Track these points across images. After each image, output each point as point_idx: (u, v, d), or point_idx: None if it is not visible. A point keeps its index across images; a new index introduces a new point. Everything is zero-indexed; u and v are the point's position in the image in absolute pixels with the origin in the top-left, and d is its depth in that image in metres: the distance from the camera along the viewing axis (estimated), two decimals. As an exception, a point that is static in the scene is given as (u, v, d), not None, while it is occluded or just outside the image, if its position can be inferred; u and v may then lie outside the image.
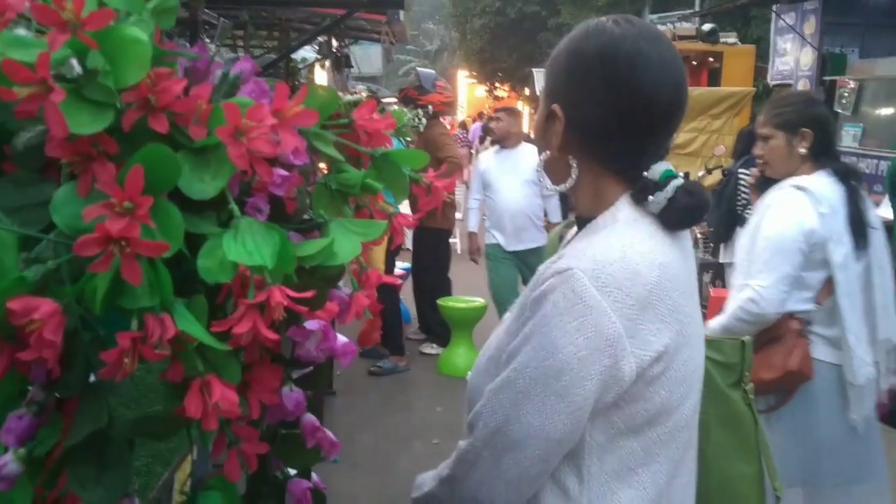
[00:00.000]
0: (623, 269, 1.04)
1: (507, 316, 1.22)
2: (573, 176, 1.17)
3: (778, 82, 8.00)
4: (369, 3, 4.94)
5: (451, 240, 6.55)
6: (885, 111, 6.15)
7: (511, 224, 5.40)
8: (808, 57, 7.02)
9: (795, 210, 2.36)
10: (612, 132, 1.12)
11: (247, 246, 0.71)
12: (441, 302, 5.76)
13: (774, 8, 8.14)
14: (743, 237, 2.51)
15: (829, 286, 2.39)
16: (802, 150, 2.45)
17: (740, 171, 5.12)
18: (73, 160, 0.70)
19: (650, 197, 1.11)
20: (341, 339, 0.86)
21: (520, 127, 5.61)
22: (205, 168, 0.73)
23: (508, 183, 5.39)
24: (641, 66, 1.09)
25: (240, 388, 0.78)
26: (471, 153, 14.20)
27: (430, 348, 6.17)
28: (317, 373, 0.97)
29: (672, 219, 1.12)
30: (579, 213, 1.21)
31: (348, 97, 0.93)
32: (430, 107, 5.83)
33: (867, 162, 5.95)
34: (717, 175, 6.36)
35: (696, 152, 8.10)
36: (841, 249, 2.35)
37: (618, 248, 1.06)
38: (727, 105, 8.16)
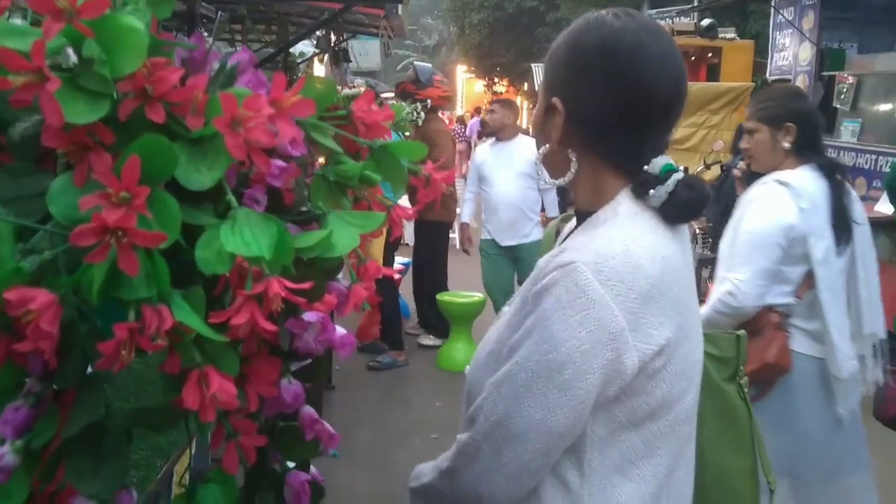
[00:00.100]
0: (626, 262, 1.04)
1: (506, 310, 1.22)
2: (572, 169, 1.16)
3: (777, 77, 7.99)
4: (367, -4, 4.93)
5: (451, 234, 6.55)
6: (884, 106, 6.14)
7: (505, 217, 5.36)
8: (806, 52, 7.01)
9: (775, 205, 2.37)
10: (612, 125, 1.12)
11: (244, 237, 0.71)
12: (440, 297, 5.76)
13: (773, 3, 8.13)
14: (727, 231, 2.51)
15: (808, 280, 2.40)
16: (786, 145, 2.46)
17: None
18: (70, 150, 0.69)
19: (651, 191, 1.11)
20: (340, 330, 0.86)
21: (515, 119, 5.54)
22: (202, 158, 0.73)
23: (503, 176, 5.35)
24: (642, 59, 1.09)
25: (238, 381, 0.78)
26: (469, 148, 14.18)
27: (429, 339, 6.18)
28: (315, 365, 0.97)
29: (672, 213, 1.12)
30: (578, 207, 1.21)
31: (346, 91, 0.93)
32: (428, 101, 5.82)
33: (866, 157, 5.95)
34: (715, 170, 6.36)
35: (694, 147, 8.10)
36: (821, 244, 2.36)
37: (620, 242, 1.06)
38: (726, 100, 8.16)
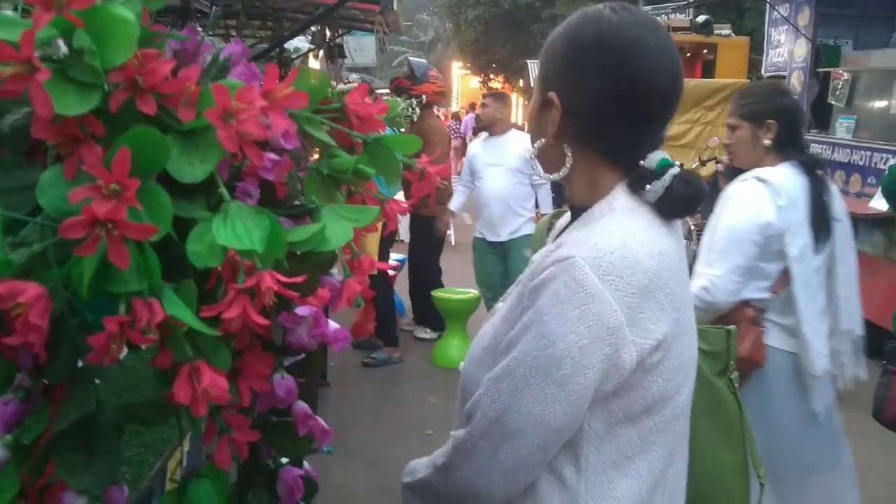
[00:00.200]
0: (624, 257, 1.04)
1: (499, 306, 1.22)
2: (568, 164, 1.16)
3: (772, 74, 7.98)
4: (362, -9, 4.92)
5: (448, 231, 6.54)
6: (879, 103, 6.14)
7: (494, 213, 5.32)
8: (801, 49, 7.01)
9: (753, 202, 2.38)
10: (609, 120, 1.12)
11: (236, 230, 0.70)
12: (435, 294, 5.76)
13: (769, -1, 8.15)
14: (707, 227, 2.52)
15: (785, 276, 2.41)
16: (767, 142, 2.47)
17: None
18: (60, 142, 0.69)
19: (647, 186, 1.11)
20: (333, 325, 0.85)
21: (507, 113, 5.47)
22: (194, 151, 0.72)
23: (493, 171, 5.30)
24: (639, 54, 1.09)
25: (230, 376, 0.77)
26: (464, 144, 14.18)
27: (425, 333, 6.18)
28: (309, 360, 0.97)
29: (669, 208, 1.12)
30: (573, 202, 1.20)
31: (342, 86, 0.92)
32: (423, 97, 5.81)
33: (861, 154, 5.95)
34: (711, 167, 6.35)
35: (690, 144, 8.10)
36: (798, 242, 2.37)
37: (618, 237, 1.06)
38: (721, 97, 8.15)
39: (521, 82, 22.04)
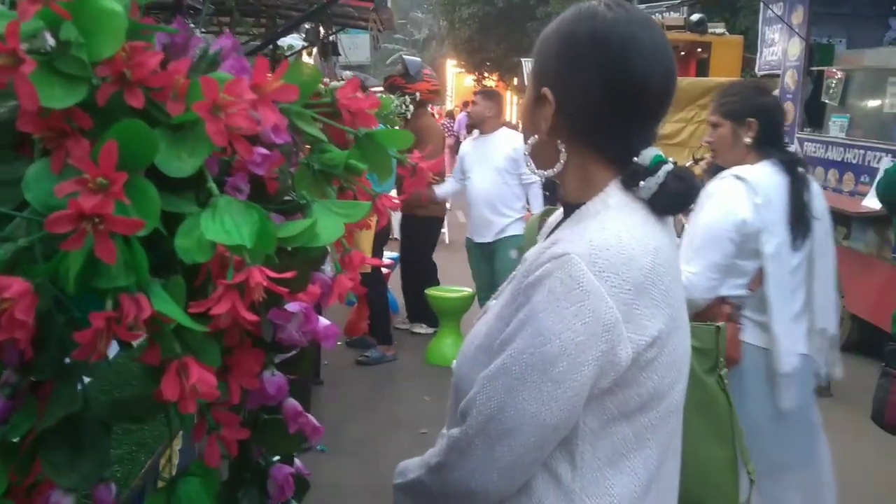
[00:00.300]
0: (619, 254, 1.04)
1: (492, 304, 1.21)
2: (562, 160, 1.16)
3: (766, 72, 7.99)
4: (356, -12, 4.90)
5: (441, 229, 6.53)
6: (872, 102, 6.15)
7: (479, 213, 5.27)
8: (795, 47, 7.01)
9: (729, 200, 2.39)
10: (602, 116, 1.12)
11: (225, 225, 0.69)
12: (429, 292, 5.75)
13: (762, -2, 8.16)
14: (688, 225, 2.54)
15: (762, 274, 2.42)
16: (747, 140, 2.48)
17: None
18: (46, 135, 0.68)
19: (641, 182, 1.11)
20: (323, 321, 0.84)
21: (497, 111, 5.37)
22: (182, 145, 0.71)
23: (480, 170, 5.24)
24: (634, 51, 1.09)
25: (220, 373, 0.77)
26: (457, 143, 14.16)
27: (421, 328, 6.18)
28: (300, 357, 0.96)
29: (662, 204, 1.12)
30: (567, 198, 1.20)
31: (335, 83, 0.92)
32: (417, 94, 5.80)
33: (854, 152, 5.95)
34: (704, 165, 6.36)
35: (683, 143, 8.10)
36: (774, 240, 2.38)
37: (613, 233, 1.05)
38: (715, 96, 8.15)
39: (515, 80, 22.03)
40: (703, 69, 9.84)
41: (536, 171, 1.21)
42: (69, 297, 0.69)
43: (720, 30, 10.11)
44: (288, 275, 0.72)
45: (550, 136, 1.15)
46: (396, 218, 6.54)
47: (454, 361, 1.22)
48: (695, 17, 9.79)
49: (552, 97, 1.13)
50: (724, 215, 2.37)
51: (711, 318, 2.35)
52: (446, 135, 11.63)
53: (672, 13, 10.83)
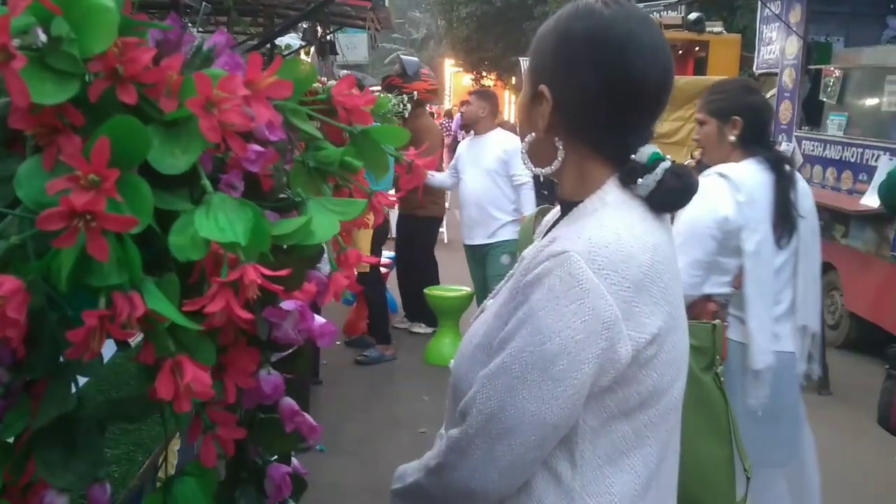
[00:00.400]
0: (618, 251, 1.03)
1: (489, 303, 1.21)
2: (559, 158, 1.15)
3: (763, 71, 7.98)
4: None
5: (440, 229, 6.53)
6: (870, 100, 6.14)
7: (470, 215, 5.23)
8: (793, 46, 7.00)
9: (712, 197, 2.40)
10: (600, 114, 1.11)
11: (219, 222, 0.69)
12: (427, 291, 5.74)
13: (760, -4, 8.15)
14: (674, 222, 2.54)
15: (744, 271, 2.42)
16: (732, 138, 2.49)
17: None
18: (38, 132, 0.67)
19: (639, 180, 1.10)
20: (319, 319, 0.84)
21: (491, 111, 5.30)
22: (175, 142, 0.71)
23: (471, 172, 5.19)
24: (632, 49, 1.08)
25: (215, 372, 0.76)
26: (456, 142, 14.16)
27: (420, 328, 6.17)
28: (297, 356, 0.95)
29: (660, 201, 1.12)
30: (564, 196, 1.20)
31: (332, 82, 0.91)
32: (414, 93, 5.79)
33: (852, 151, 5.95)
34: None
35: (681, 141, 8.10)
36: (754, 238, 2.38)
37: (612, 231, 1.05)
38: (712, 94, 8.13)
39: (513, 80, 22.03)
40: (700, 68, 9.83)
41: (534, 168, 1.20)
42: (62, 295, 0.68)
43: (718, 28, 10.10)
44: (283, 272, 0.72)
45: (547, 133, 1.15)
46: (394, 217, 6.54)
47: (452, 361, 1.21)
48: (692, 15, 9.78)
49: (549, 95, 1.13)
50: (706, 212, 2.37)
51: (696, 315, 2.36)
52: (445, 134, 11.62)
53: (670, 12, 10.82)
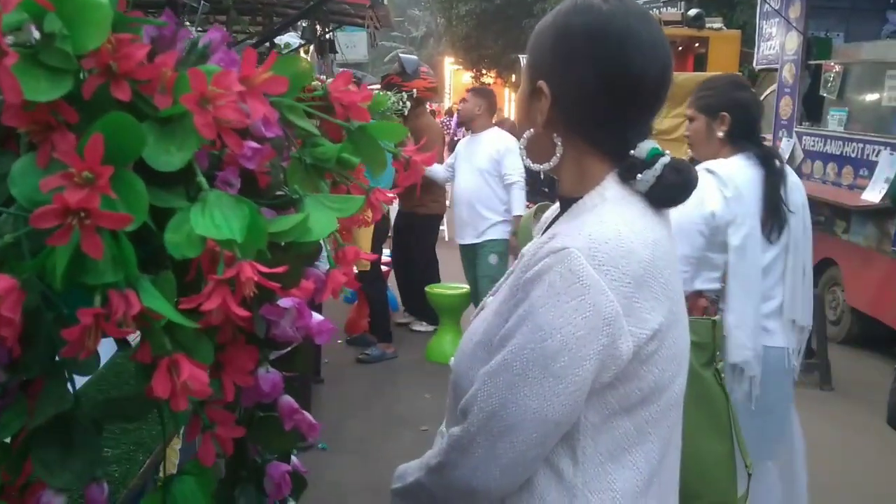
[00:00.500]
0: (619, 247, 1.03)
1: (489, 300, 1.20)
2: (558, 154, 1.15)
3: (763, 67, 7.97)
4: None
5: (440, 227, 6.52)
6: (870, 95, 6.13)
7: (461, 212, 5.22)
8: (793, 41, 6.99)
9: (700, 193, 2.38)
10: (599, 110, 1.11)
11: (215, 219, 0.68)
12: (428, 289, 5.74)
13: (760, -8, 8.14)
14: None
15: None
16: (720, 134, 2.49)
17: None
18: (32, 129, 0.67)
19: (639, 175, 1.10)
20: (317, 317, 0.83)
21: (488, 109, 5.28)
22: (170, 139, 0.70)
23: (464, 170, 5.18)
24: (631, 45, 1.08)
25: (213, 370, 0.76)
26: (454, 140, 14.15)
27: (421, 325, 6.16)
28: (295, 354, 0.95)
29: (660, 197, 1.11)
30: (563, 192, 1.19)
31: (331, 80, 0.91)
32: (413, 91, 5.77)
33: (853, 146, 5.94)
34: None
35: (681, 138, 8.05)
36: (740, 232, 2.39)
37: (612, 227, 1.05)
38: (712, 90, 8.11)
39: (513, 77, 22.01)
40: (700, 64, 9.81)
41: (533, 164, 1.20)
42: (57, 294, 0.68)
43: (717, 24, 10.08)
44: (280, 270, 0.71)
45: (546, 129, 1.15)
46: (394, 215, 6.53)
47: (453, 358, 1.21)
48: (692, 11, 9.77)
49: (548, 90, 1.12)
50: (693, 208, 2.37)
51: (687, 311, 2.36)
52: (445, 132, 11.61)
53: (669, 8, 10.81)
